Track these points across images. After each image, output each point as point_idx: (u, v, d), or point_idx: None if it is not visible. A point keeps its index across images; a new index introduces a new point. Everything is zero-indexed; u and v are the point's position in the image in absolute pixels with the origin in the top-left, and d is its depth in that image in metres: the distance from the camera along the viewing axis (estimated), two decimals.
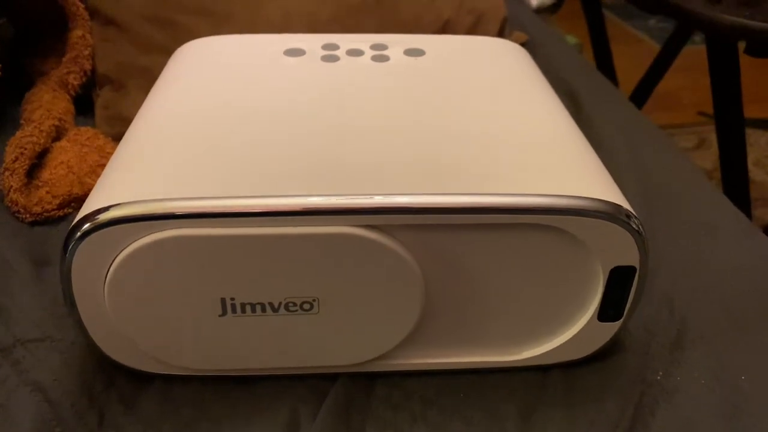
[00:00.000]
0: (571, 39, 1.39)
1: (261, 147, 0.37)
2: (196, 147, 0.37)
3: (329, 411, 0.37)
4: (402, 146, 0.38)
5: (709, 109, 0.99)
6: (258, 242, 0.33)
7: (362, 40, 0.52)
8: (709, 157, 1.50)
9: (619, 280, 0.37)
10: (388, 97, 0.43)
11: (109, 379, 0.39)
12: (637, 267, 0.36)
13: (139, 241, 0.33)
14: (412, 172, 0.36)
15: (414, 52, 0.50)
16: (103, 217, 0.33)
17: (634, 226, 0.35)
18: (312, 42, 0.51)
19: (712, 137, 1.53)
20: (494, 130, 0.40)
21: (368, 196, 0.33)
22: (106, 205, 0.33)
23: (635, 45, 2.08)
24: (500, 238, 0.35)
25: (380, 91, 0.44)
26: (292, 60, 0.49)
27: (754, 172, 1.44)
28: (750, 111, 0.98)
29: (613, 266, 0.36)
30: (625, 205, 0.35)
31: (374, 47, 0.51)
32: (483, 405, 0.38)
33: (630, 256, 0.36)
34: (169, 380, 0.39)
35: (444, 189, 0.34)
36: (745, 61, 0.85)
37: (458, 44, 0.53)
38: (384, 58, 0.49)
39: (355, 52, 0.50)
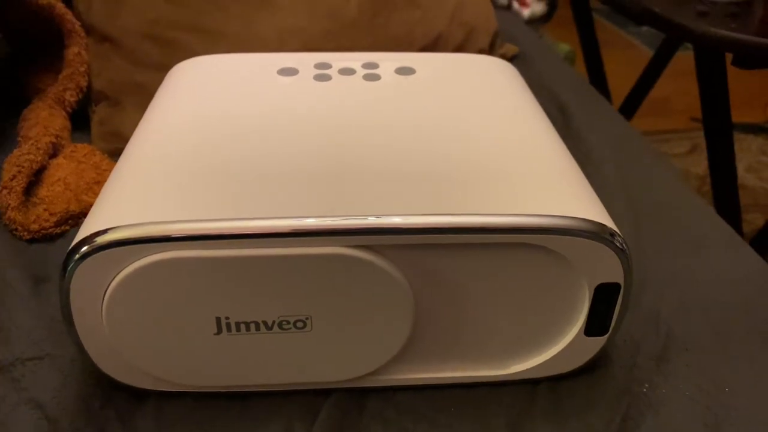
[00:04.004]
0: (564, 47, 1.40)
1: (256, 168, 0.38)
2: (191, 169, 0.38)
3: (322, 427, 0.38)
4: (392, 166, 0.39)
5: None
6: (252, 263, 0.34)
7: (354, 59, 0.53)
8: (702, 162, 1.51)
9: (604, 297, 0.38)
10: (378, 118, 0.44)
11: (107, 396, 0.39)
12: (622, 284, 0.37)
13: (136, 262, 0.34)
14: (402, 192, 0.37)
15: (404, 71, 0.51)
16: (101, 239, 0.34)
17: (618, 244, 0.36)
18: (304, 61, 0.52)
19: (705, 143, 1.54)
20: (482, 150, 0.41)
21: (362, 217, 0.34)
22: (104, 227, 0.34)
23: (628, 50, 2.10)
24: (488, 257, 0.36)
25: (371, 112, 0.45)
26: (285, 80, 0.50)
27: (746, 178, 1.45)
28: (741, 115, 0.98)
29: (598, 283, 0.37)
30: (609, 224, 0.36)
31: (366, 66, 0.52)
32: (473, 419, 0.39)
33: (614, 274, 0.37)
34: (166, 397, 0.39)
35: (434, 209, 0.35)
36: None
37: (448, 62, 0.54)
38: (375, 77, 0.50)
39: (347, 71, 0.51)
